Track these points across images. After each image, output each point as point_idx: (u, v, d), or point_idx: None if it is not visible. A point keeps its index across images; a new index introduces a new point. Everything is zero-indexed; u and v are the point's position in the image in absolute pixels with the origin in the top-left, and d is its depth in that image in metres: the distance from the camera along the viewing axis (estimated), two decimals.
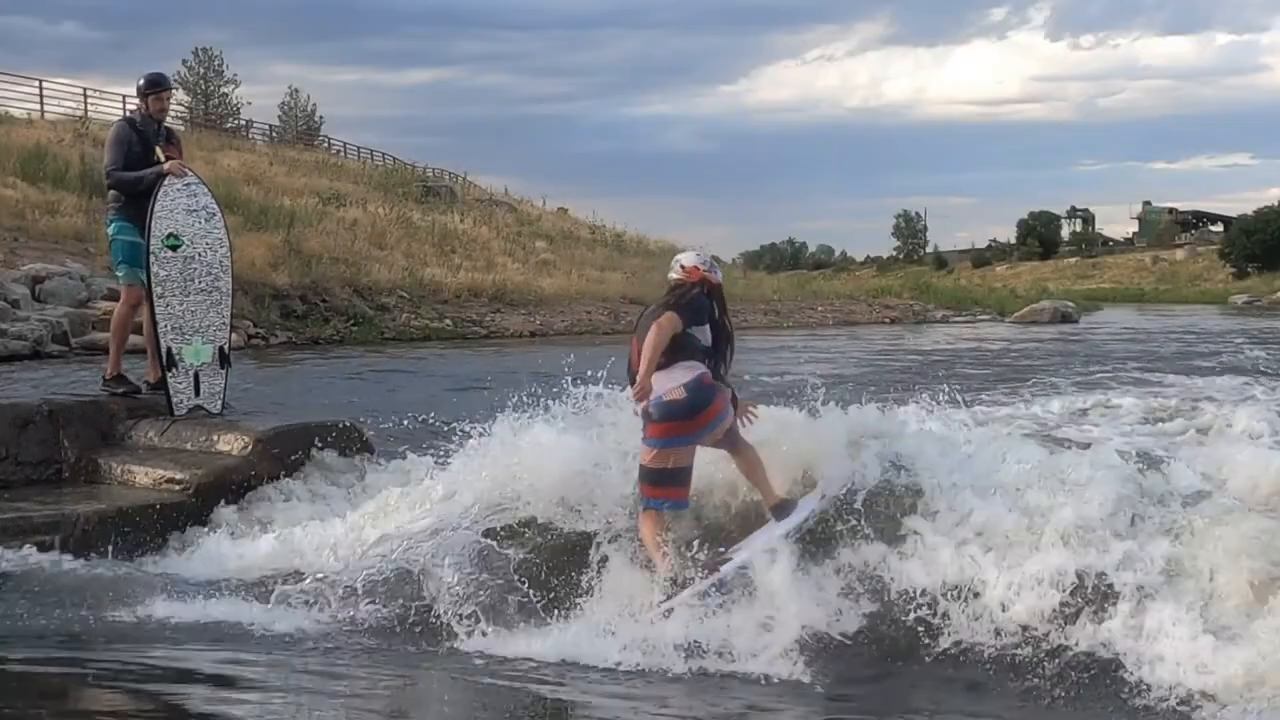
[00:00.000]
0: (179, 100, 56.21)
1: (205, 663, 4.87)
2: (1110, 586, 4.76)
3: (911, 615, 4.97)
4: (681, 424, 5.27)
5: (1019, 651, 4.74)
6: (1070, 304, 46.64)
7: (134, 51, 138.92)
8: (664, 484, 5.32)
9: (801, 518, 5.37)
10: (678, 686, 4.65)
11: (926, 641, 4.90)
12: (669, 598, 5.17)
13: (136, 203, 7.51)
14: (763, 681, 4.65)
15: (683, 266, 5.60)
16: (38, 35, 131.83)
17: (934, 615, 4.94)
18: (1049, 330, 35.70)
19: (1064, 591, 4.81)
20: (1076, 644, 4.67)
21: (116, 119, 9.61)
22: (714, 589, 5.17)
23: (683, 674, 4.74)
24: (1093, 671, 4.56)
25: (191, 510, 6.54)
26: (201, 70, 58.88)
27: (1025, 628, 4.81)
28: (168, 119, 8.17)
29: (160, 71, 7.92)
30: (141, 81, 7.77)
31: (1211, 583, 4.62)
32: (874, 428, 5.96)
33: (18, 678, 4.57)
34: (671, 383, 5.26)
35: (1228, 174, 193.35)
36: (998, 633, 4.83)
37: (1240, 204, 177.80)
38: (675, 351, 5.30)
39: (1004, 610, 4.86)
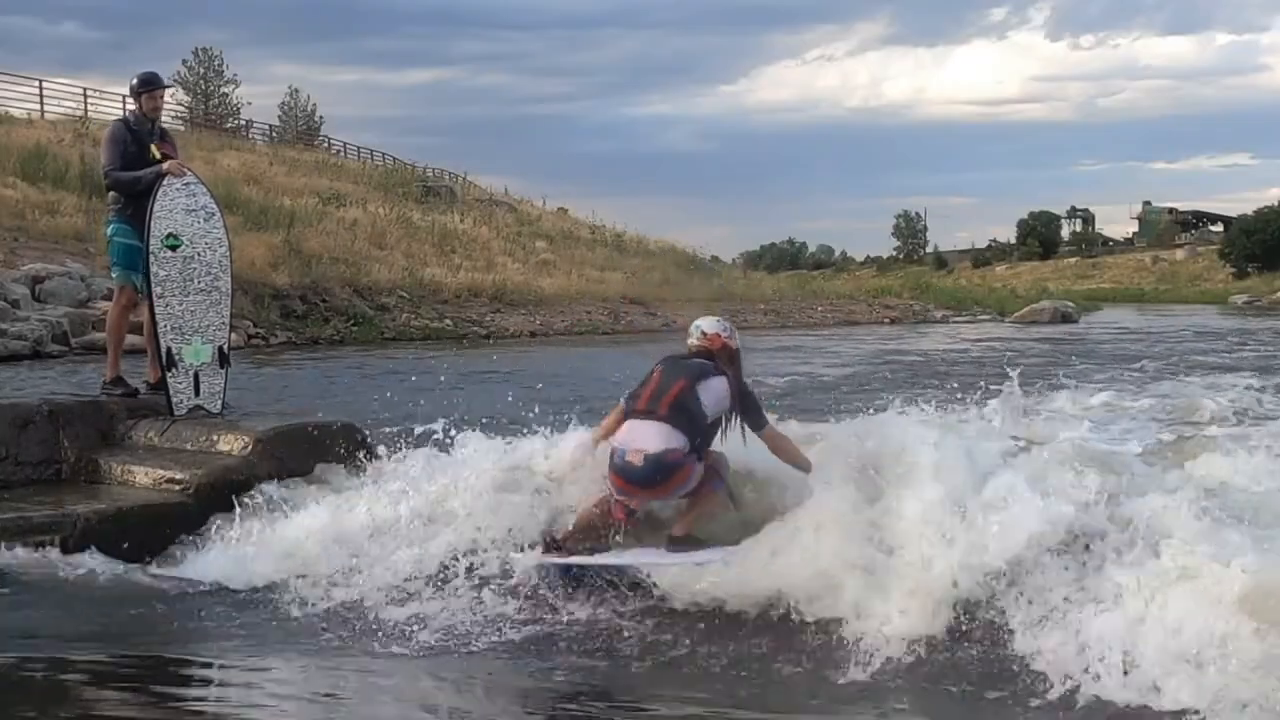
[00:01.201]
0: (179, 100, 56.39)
1: (206, 663, 4.87)
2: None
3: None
4: (627, 486, 5.30)
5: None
6: (1070, 304, 46.62)
7: (134, 51, 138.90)
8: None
9: (690, 560, 5.30)
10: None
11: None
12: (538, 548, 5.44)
13: (136, 204, 7.49)
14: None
15: (704, 333, 5.59)
16: (38, 35, 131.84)
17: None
18: (1048, 330, 35.70)
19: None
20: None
21: (113, 119, 9.57)
22: (563, 570, 5.40)
23: None
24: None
25: (191, 510, 6.53)
26: (201, 70, 58.93)
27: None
28: (162, 118, 8.15)
29: (153, 70, 7.87)
30: (134, 81, 7.75)
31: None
32: None
33: (18, 677, 4.57)
34: (643, 443, 5.24)
35: (1228, 174, 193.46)
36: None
37: (1240, 204, 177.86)
38: (676, 411, 5.29)
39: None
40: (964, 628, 4.75)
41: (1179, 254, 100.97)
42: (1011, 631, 4.65)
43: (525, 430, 6.56)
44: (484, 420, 7.14)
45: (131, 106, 8.02)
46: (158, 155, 7.59)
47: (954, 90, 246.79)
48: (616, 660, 4.87)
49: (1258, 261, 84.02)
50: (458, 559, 5.73)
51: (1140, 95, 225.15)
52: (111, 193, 7.69)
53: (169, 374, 7.49)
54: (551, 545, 5.47)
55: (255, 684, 4.66)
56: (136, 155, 7.54)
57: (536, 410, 6.69)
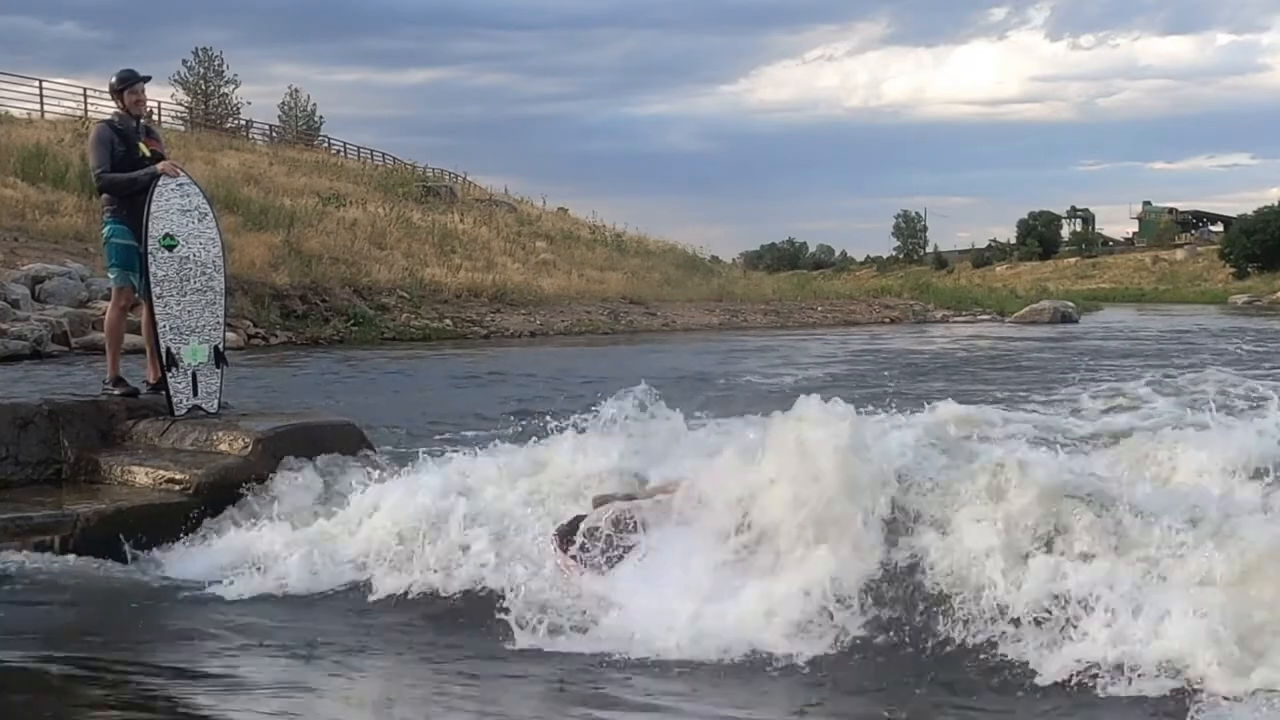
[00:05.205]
0: (179, 100, 56.38)
1: (206, 663, 4.88)
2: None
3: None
4: None
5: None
6: (1070, 304, 46.72)
7: (134, 51, 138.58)
8: None
9: None
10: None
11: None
12: None
13: (131, 205, 7.49)
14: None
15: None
16: (38, 35, 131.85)
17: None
18: (1050, 330, 35.73)
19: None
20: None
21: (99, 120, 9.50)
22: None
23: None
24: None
25: (191, 510, 6.53)
26: (201, 70, 58.81)
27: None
28: (152, 115, 8.14)
29: (130, 68, 7.82)
30: (113, 79, 7.72)
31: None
32: None
33: (18, 677, 4.58)
34: None
35: (1228, 174, 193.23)
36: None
37: (1240, 204, 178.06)
38: None
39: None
40: None
41: (1179, 254, 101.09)
42: None
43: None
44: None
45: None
46: (147, 153, 7.59)
47: (954, 90, 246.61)
48: None
49: (1258, 261, 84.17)
50: (460, 564, 5.76)
51: (1140, 95, 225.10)
52: (104, 194, 7.69)
53: (169, 374, 7.50)
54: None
55: (255, 685, 4.67)
56: (125, 155, 7.53)
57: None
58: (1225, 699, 4.05)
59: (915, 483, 5.23)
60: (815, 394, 5.67)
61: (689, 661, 4.70)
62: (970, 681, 4.45)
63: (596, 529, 5.56)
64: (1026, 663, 4.46)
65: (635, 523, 5.54)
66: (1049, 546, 4.78)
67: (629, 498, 5.76)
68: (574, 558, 5.49)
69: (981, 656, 4.56)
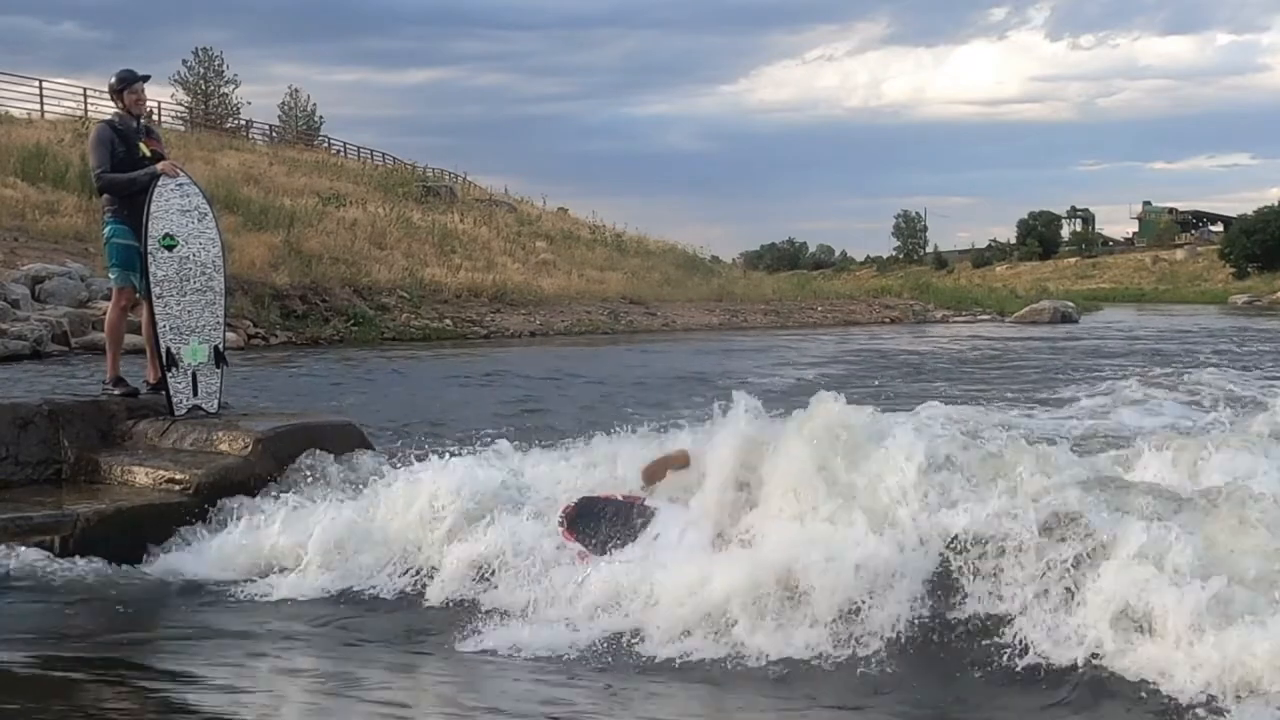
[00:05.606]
0: (179, 100, 56.36)
1: (206, 663, 4.87)
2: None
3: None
4: None
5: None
6: (1070, 304, 46.74)
7: (134, 51, 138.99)
8: None
9: None
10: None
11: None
12: None
13: (131, 205, 7.49)
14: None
15: None
16: (38, 35, 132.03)
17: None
18: (1050, 330, 35.73)
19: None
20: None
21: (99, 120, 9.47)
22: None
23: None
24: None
25: (191, 510, 6.53)
26: (201, 70, 58.80)
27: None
28: (153, 116, 8.14)
29: (129, 68, 7.82)
30: (113, 80, 7.72)
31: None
32: None
33: (18, 677, 4.57)
34: None
35: (1228, 174, 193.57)
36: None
37: (1240, 204, 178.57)
38: None
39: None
40: None
41: (1179, 254, 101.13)
42: None
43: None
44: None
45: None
46: (147, 153, 7.59)
47: (954, 90, 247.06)
48: None
49: (1258, 261, 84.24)
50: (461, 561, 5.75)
51: (1140, 95, 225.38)
52: (105, 195, 7.68)
53: (169, 374, 7.50)
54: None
55: (257, 684, 4.67)
56: (125, 155, 7.52)
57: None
58: (1225, 706, 4.03)
59: (933, 479, 5.22)
60: (834, 392, 5.63)
61: (699, 658, 4.69)
62: (1002, 675, 4.44)
63: (603, 511, 5.55)
64: (1038, 655, 4.45)
65: (642, 509, 5.52)
66: (1057, 539, 4.77)
67: (684, 455, 5.76)
68: (580, 541, 5.46)
69: (1005, 649, 4.54)
